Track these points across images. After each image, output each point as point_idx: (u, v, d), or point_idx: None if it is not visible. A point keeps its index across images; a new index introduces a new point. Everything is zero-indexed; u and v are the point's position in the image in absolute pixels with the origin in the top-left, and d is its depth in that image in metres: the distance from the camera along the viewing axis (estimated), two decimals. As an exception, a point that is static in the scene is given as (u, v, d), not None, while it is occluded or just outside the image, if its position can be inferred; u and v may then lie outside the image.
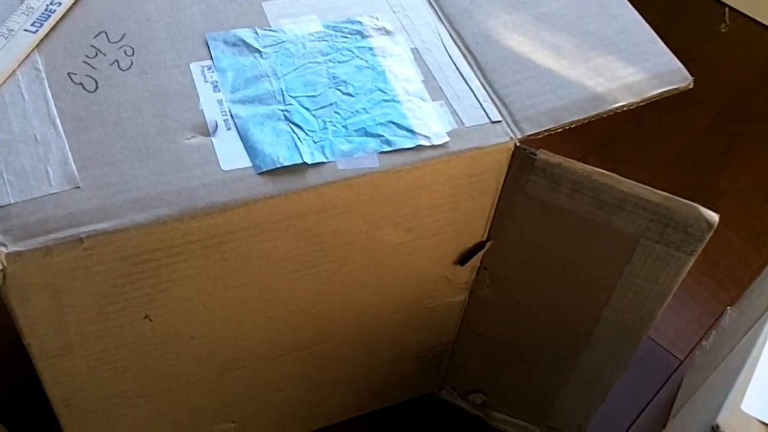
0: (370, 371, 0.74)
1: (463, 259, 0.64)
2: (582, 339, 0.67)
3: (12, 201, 0.49)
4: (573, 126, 0.58)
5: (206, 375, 0.63)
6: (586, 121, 0.58)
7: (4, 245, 0.47)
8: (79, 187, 0.50)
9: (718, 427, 0.55)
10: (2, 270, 0.47)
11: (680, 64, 0.61)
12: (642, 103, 0.59)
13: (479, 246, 0.64)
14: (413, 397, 0.82)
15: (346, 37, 0.60)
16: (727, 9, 1.22)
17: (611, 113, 0.59)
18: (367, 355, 0.71)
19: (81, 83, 0.55)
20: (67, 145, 0.52)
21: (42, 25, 0.56)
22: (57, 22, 0.57)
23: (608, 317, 0.64)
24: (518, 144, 0.56)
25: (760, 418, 0.55)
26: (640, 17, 0.64)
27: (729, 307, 0.83)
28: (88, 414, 0.61)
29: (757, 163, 1.07)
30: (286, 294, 0.59)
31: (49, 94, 0.54)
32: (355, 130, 0.55)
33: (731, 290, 0.94)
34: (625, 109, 0.59)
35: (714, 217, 0.55)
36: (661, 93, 0.60)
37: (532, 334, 0.70)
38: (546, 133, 0.57)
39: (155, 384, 0.61)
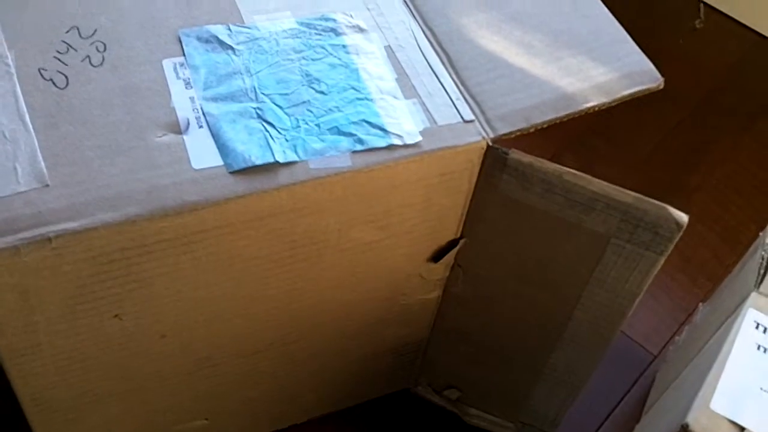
0: (345, 368, 0.74)
1: (436, 257, 0.65)
2: (554, 336, 0.68)
3: (-21, 200, 0.48)
4: (545, 126, 0.58)
5: (178, 373, 0.63)
6: (557, 121, 0.58)
7: (-29, 245, 0.47)
8: (48, 186, 0.50)
9: (687, 426, 0.55)
10: (-31, 269, 0.47)
11: (651, 65, 0.62)
12: (613, 104, 0.60)
13: (452, 244, 0.64)
14: (388, 393, 0.82)
15: (320, 35, 0.60)
16: (701, 5, 1.23)
17: (582, 113, 0.59)
18: (341, 352, 0.71)
19: (51, 79, 0.55)
20: (36, 143, 0.51)
21: None
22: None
23: (580, 315, 0.65)
24: (490, 143, 0.57)
25: (729, 417, 0.56)
26: (612, 17, 0.64)
27: (701, 303, 0.84)
28: (57, 413, 0.60)
29: (731, 159, 1.07)
30: (258, 293, 0.59)
31: (18, 89, 0.53)
32: (328, 129, 0.55)
33: (704, 286, 0.94)
34: (596, 108, 0.59)
35: (683, 217, 0.56)
36: (632, 93, 0.60)
37: (505, 331, 0.70)
38: (518, 133, 0.57)
39: (126, 383, 0.61)
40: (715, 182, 1.05)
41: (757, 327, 0.61)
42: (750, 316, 0.61)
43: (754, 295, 0.63)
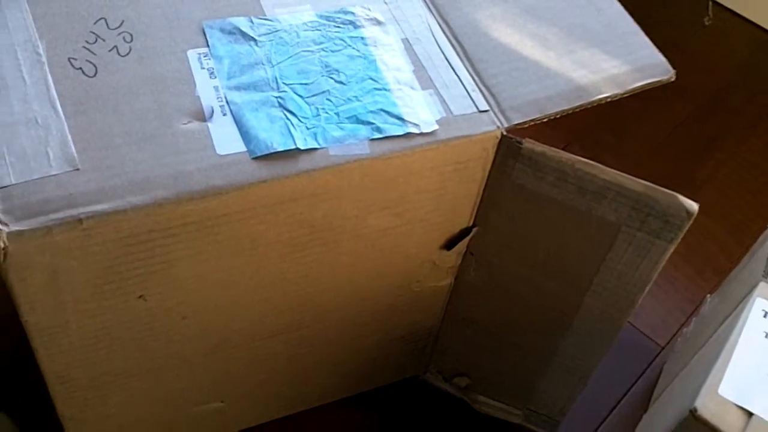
0: (356, 353, 0.76)
1: (449, 245, 0.66)
2: (564, 324, 0.69)
3: (13, 182, 0.50)
4: (558, 116, 0.60)
5: (196, 355, 0.65)
6: (570, 112, 0.60)
7: (6, 224, 0.48)
8: (78, 169, 0.51)
9: (696, 410, 0.57)
10: (3, 249, 0.48)
11: (663, 57, 0.63)
12: (625, 95, 0.61)
13: (465, 232, 0.66)
14: (398, 379, 0.84)
15: (338, 27, 0.61)
16: (710, 3, 1.24)
17: (594, 104, 0.60)
18: (354, 338, 0.73)
19: (81, 68, 0.56)
20: (66, 128, 0.53)
21: None
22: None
23: (590, 303, 0.66)
24: (505, 133, 0.58)
25: (737, 402, 0.57)
26: (624, 10, 0.66)
27: (709, 295, 0.86)
28: (81, 391, 0.62)
29: (739, 155, 1.09)
30: (276, 276, 0.61)
31: (49, 78, 0.55)
32: (347, 118, 0.57)
33: (711, 279, 0.96)
34: (608, 100, 0.61)
35: (693, 206, 0.57)
36: (643, 85, 0.62)
37: (516, 319, 0.72)
38: (531, 123, 0.59)
39: (147, 363, 0.63)
40: (723, 177, 1.06)
41: (765, 315, 0.62)
42: (758, 304, 0.63)
43: (762, 284, 0.64)
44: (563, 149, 0.58)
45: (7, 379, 0.79)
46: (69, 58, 0.56)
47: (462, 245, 0.67)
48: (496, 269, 0.69)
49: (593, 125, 1.08)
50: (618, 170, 0.59)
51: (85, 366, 0.60)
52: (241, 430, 0.79)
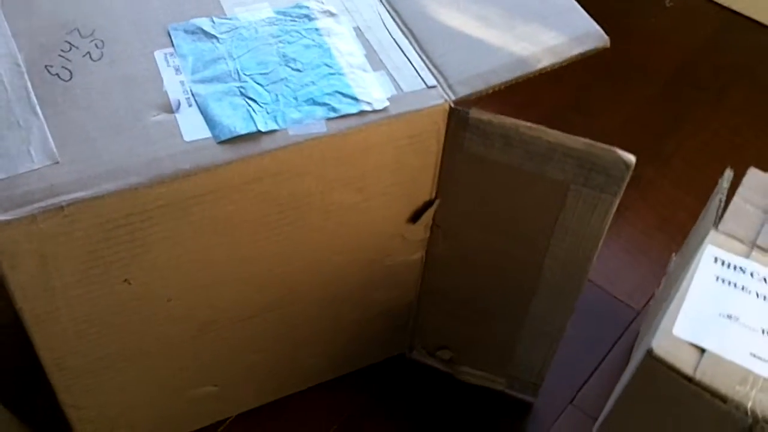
0: (339, 332, 0.80)
1: (415, 217, 0.70)
2: (530, 287, 0.73)
3: (-1, 177, 0.55)
4: (502, 87, 0.64)
5: (184, 337, 0.69)
6: (513, 82, 0.64)
7: (-6, 215, 0.53)
8: (58, 163, 0.56)
9: (651, 350, 0.60)
10: (-7, 238, 0.53)
11: (598, 27, 0.68)
12: (564, 64, 0.65)
13: (429, 204, 0.70)
14: (385, 358, 0.88)
15: (294, 21, 0.66)
16: (670, -15, 1.29)
17: (536, 73, 0.65)
18: (334, 316, 0.77)
19: (57, 74, 0.61)
20: (46, 128, 0.58)
21: None
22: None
23: (550, 263, 0.71)
24: (453, 105, 0.63)
25: (690, 341, 0.61)
26: (560, -13, 0.70)
27: (674, 254, 0.89)
28: (78, 377, 0.66)
29: (704, 128, 1.13)
30: (251, 255, 0.65)
31: (29, 85, 0.60)
32: (304, 101, 0.61)
33: (681, 243, 1.00)
34: (548, 69, 0.65)
35: (631, 158, 0.61)
36: (581, 53, 0.66)
37: (486, 287, 0.76)
38: (478, 95, 0.64)
39: (138, 346, 0.67)
40: (691, 149, 1.10)
41: (715, 261, 0.66)
42: (709, 251, 0.67)
43: (712, 232, 0.68)
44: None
45: (19, 382, 0.83)
46: (46, 66, 0.61)
47: (427, 217, 0.71)
48: (462, 239, 0.73)
49: (561, 107, 1.13)
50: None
51: (80, 352, 0.64)
52: (237, 415, 0.83)
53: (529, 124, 0.63)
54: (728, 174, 0.73)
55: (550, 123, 1.09)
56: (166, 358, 0.70)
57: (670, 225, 1.02)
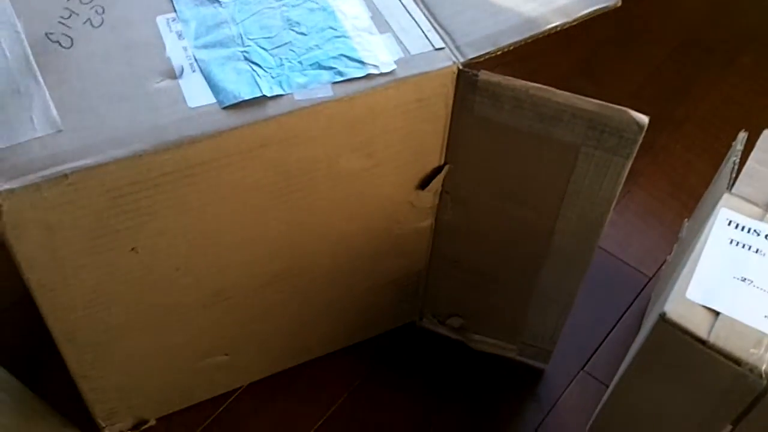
0: (350, 301, 0.79)
1: (424, 184, 0.70)
2: (540, 253, 0.73)
3: (1, 146, 0.54)
4: (511, 48, 0.63)
5: (194, 306, 0.68)
6: (522, 43, 0.63)
7: (-2, 184, 0.52)
8: (61, 131, 0.55)
9: (665, 314, 0.60)
10: (-2, 207, 0.52)
11: (608, -15, 0.66)
12: (574, 23, 0.64)
13: (438, 170, 0.69)
14: (396, 326, 0.87)
15: (298, -16, 0.65)
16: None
17: (545, 34, 0.63)
18: (345, 285, 0.76)
19: (58, 41, 0.60)
20: (48, 95, 0.57)
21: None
22: (31, -12, 0.62)
23: (562, 228, 0.70)
24: (461, 67, 0.62)
25: (703, 304, 0.60)
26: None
27: (686, 220, 0.88)
28: (88, 348, 0.66)
29: (716, 91, 1.11)
30: (259, 224, 0.64)
31: (29, 52, 0.59)
32: (310, 65, 0.60)
33: (694, 208, 0.99)
34: (558, 29, 0.64)
35: (644, 119, 0.60)
36: (590, 12, 0.65)
37: (496, 254, 0.75)
38: (487, 56, 0.62)
39: (147, 316, 0.67)
40: (702, 113, 1.09)
41: (729, 224, 0.65)
42: (722, 214, 0.66)
43: (726, 195, 0.67)
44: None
45: (31, 361, 0.83)
46: (46, 33, 0.60)
47: (436, 183, 0.70)
48: (471, 205, 0.72)
49: (571, 74, 1.11)
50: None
51: (89, 322, 0.64)
52: (249, 384, 0.82)
53: (538, 85, 0.61)
54: (742, 136, 0.72)
55: (559, 89, 1.09)
56: (177, 327, 0.69)
57: (682, 190, 1.01)
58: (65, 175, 0.54)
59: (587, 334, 0.89)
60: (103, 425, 0.75)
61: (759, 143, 0.71)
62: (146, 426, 0.78)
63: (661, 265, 0.95)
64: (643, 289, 0.93)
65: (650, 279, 0.94)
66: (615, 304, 0.92)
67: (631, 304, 0.92)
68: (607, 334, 0.90)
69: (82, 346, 0.66)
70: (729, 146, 0.73)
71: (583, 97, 0.61)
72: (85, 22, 0.62)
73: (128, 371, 0.71)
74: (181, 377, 0.75)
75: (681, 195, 1.01)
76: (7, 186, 0.52)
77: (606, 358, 0.88)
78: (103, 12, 0.62)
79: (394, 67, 0.60)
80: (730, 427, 0.62)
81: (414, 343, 0.88)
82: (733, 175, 0.68)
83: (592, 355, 0.88)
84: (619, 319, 0.91)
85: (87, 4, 0.63)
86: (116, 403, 0.73)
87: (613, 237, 0.96)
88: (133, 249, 0.60)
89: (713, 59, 1.15)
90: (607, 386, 0.85)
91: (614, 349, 0.89)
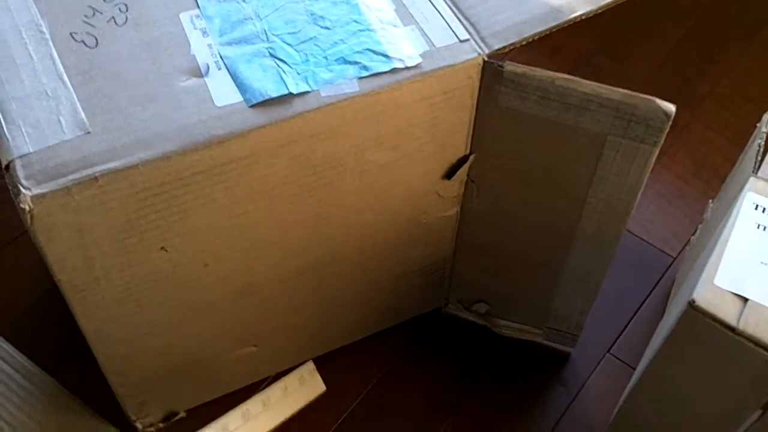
0: (377, 290, 0.79)
1: (449, 174, 0.69)
2: (567, 239, 0.73)
3: (31, 150, 0.54)
4: (537, 38, 0.63)
5: (223, 301, 0.69)
6: (547, 32, 0.62)
7: (29, 189, 0.53)
8: (89, 133, 0.56)
9: (693, 301, 0.59)
10: (29, 211, 0.53)
11: (633, -29, 0.66)
12: (599, 11, 0.63)
13: (463, 160, 0.69)
14: (422, 312, 0.88)
15: (320, -24, 0.65)
16: None
17: (571, 23, 0.63)
18: (372, 275, 0.76)
19: (83, 41, 0.60)
20: (75, 97, 0.57)
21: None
22: (54, -12, 0.62)
23: (588, 215, 0.69)
24: (486, 59, 0.61)
25: (732, 290, 0.60)
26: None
27: (711, 201, 0.88)
28: (118, 344, 0.67)
29: (737, 67, 1.10)
30: (287, 219, 0.65)
31: (54, 53, 0.59)
32: (335, 60, 0.60)
33: (717, 188, 0.98)
34: (583, 18, 0.63)
35: (671, 108, 0.60)
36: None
37: (522, 240, 0.75)
38: (512, 47, 0.62)
39: (177, 313, 0.67)
40: (724, 90, 1.08)
41: (756, 208, 0.65)
42: (749, 198, 0.65)
43: (752, 179, 0.67)
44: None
45: (56, 351, 0.84)
46: (71, 33, 0.60)
47: (462, 173, 0.70)
48: (497, 194, 0.72)
49: (591, 52, 1.10)
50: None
51: (120, 320, 0.65)
52: (278, 374, 0.83)
53: (564, 75, 0.61)
54: (766, 118, 0.71)
55: (580, 69, 1.09)
56: (206, 322, 0.70)
57: (706, 169, 1.01)
58: (95, 178, 0.54)
59: (612, 316, 0.89)
60: (134, 419, 0.76)
61: (784, 124, 0.70)
62: (177, 418, 0.79)
63: (685, 245, 0.94)
64: (667, 269, 0.93)
65: (675, 259, 0.94)
66: (639, 286, 0.92)
67: (656, 285, 0.92)
68: (633, 316, 0.90)
69: (112, 343, 0.66)
70: (751, 124, 0.72)
71: (609, 87, 0.61)
72: (108, 21, 0.61)
73: (158, 366, 0.72)
74: (210, 369, 0.76)
75: (704, 174, 1.01)
76: (38, 190, 0.53)
77: (632, 340, 0.88)
78: (127, 10, 0.62)
79: (420, 60, 0.60)
80: (760, 411, 0.62)
81: (440, 329, 0.88)
82: (759, 158, 0.68)
83: (618, 338, 0.88)
84: (644, 300, 0.91)
85: (110, 2, 0.62)
86: (146, 396, 0.74)
87: (637, 217, 0.96)
88: (162, 248, 0.61)
89: (732, 33, 1.14)
90: (634, 368, 0.85)
91: (640, 331, 0.89)
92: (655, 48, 1.12)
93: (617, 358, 0.87)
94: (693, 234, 0.95)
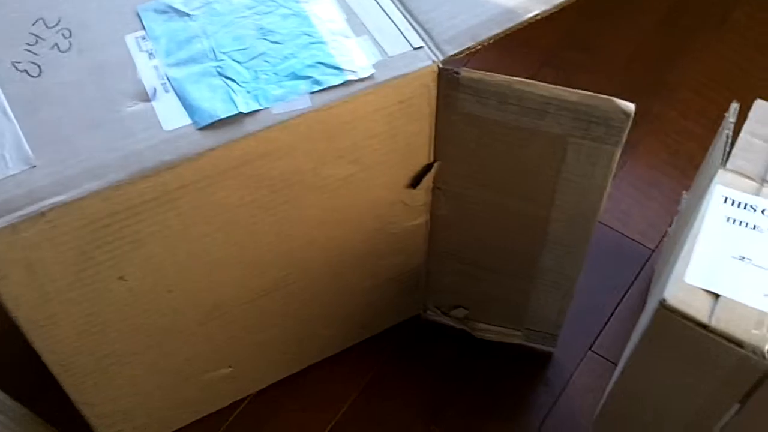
0: (350, 302, 0.78)
1: (414, 183, 0.68)
2: (538, 241, 0.71)
3: (-26, 187, 0.53)
4: (491, 41, 0.61)
5: (191, 325, 0.67)
6: (503, 35, 0.61)
7: (-27, 228, 0.51)
8: (35, 166, 0.54)
9: (665, 300, 0.58)
10: (-24, 251, 0.51)
11: (588, -33, 0.64)
12: (554, 10, 0.62)
13: (428, 168, 0.68)
14: (400, 321, 0.87)
15: (269, -11, 0.63)
16: None
17: (526, 23, 0.62)
18: (342, 287, 0.75)
19: (25, 70, 0.59)
20: (19, 129, 0.56)
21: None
22: (-6, 17, 0.61)
23: (557, 216, 0.68)
24: (441, 66, 0.60)
25: (703, 287, 0.59)
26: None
27: (684, 192, 0.87)
28: (87, 376, 0.65)
29: (708, 54, 1.09)
30: (248, 239, 0.63)
31: (-4, 84, 0.58)
32: (285, 75, 0.58)
33: (693, 177, 0.97)
34: (538, 17, 0.62)
35: (630, 107, 0.59)
36: (570, -2, 0.63)
37: (493, 245, 0.74)
38: (467, 52, 0.61)
39: (144, 340, 0.66)
40: (696, 77, 1.07)
41: (725, 201, 0.64)
42: (718, 191, 0.64)
43: (720, 171, 0.66)
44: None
45: (32, 381, 0.82)
46: (12, 62, 0.59)
47: (427, 181, 0.68)
48: (464, 199, 0.71)
49: (562, 47, 1.09)
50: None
51: (85, 352, 0.63)
52: (257, 392, 0.82)
53: (521, 79, 0.60)
54: (734, 107, 0.70)
55: (552, 64, 1.07)
56: (176, 346, 0.68)
57: (681, 158, 1.00)
58: (42, 213, 0.52)
59: (593, 313, 0.88)
60: (110, 447, 0.75)
61: (751, 114, 0.69)
62: (154, 443, 0.78)
63: (663, 236, 0.93)
64: (646, 262, 0.92)
65: (653, 251, 0.93)
66: (619, 280, 0.91)
67: (636, 278, 0.91)
68: (613, 311, 0.89)
69: (79, 374, 0.65)
70: (724, 109, 0.71)
71: (566, 89, 0.60)
72: (52, 47, 0.60)
73: (131, 393, 0.70)
74: (185, 393, 0.75)
75: (679, 162, 0.99)
76: (-17, 229, 0.51)
77: (613, 335, 0.87)
78: (70, 35, 0.60)
79: (373, 71, 0.59)
80: (738, 405, 0.61)
81: (420, 335, 0.87)
82: (727, 149, 0.67)
83: (599, 335, 0.87)
84: (624, 295, 0.90)
85: (53, 28, 0.61)
86: (122, 425, 0.73)
87: (612, 211, 0.94)
88: (120, 277, 0.59)
89: (704, 20, 1.13)
90: (616, 365, 0.84)
91: (621, 326, 0.88)
92: (626, 39, 1.11)
93: (599, 355, 0.86)
94: (670, 225, 0.94)
